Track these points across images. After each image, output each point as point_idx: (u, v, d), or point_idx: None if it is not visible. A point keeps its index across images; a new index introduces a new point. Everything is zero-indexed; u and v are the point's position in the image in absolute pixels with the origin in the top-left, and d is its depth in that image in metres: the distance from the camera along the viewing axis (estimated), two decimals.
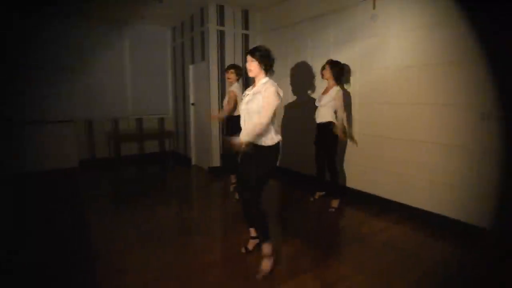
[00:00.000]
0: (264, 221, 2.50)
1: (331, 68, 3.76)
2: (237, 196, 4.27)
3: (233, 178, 4.55)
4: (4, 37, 5.34)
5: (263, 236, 2.49)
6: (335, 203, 3.85)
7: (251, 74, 2.53)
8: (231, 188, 4.58)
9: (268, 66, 2.49)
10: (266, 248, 2.47)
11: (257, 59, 2.46)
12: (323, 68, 3.85)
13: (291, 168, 5.31)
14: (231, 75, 4.28)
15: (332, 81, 3.78)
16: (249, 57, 2.49)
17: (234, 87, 4.26)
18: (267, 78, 2.51)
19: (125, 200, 4.46)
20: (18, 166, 5.49)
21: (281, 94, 2.45)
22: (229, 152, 4.25)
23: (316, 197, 4.19)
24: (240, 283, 2.39)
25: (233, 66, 4.33)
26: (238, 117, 2.73)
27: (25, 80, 5.59)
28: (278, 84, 2.47)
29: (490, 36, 2.91)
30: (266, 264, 2.45)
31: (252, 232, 2.82)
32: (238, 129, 2.57)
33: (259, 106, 2.39)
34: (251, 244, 2.84)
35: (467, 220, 3.13)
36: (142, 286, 2.33)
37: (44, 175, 5.54)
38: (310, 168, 4.76)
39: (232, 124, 4.19)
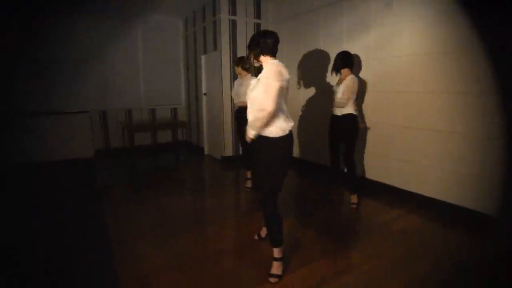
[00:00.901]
0: (276, 225, 2.28)
1: (338, 58, 3.61)
2: (248, 184, 4.33)
3: (248, 174, 4.41)
4: (23, 32, 5.44)
5: (274, 241, 2.29)
6: (354, 198, 3.71)
7: (257, 65, 2.41)
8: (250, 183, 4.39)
9: (258, 50, 2.26)
10: (277, 252, 2.31)
11: (250, 51, 2.33)
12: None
13: (303, 158, 5.32)
14: (238, 70, 4.16)
15: (346, 71, 3.60)
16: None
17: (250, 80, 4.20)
18: (271, 61, 2.28)
19: (139, 189, 4.55)
20: (35, 156, 5.62)
21: (286, 75, 2.20)
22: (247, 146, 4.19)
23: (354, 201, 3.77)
24: (253, 270, 2.44)
25: (238, 60, 4.20)
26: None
27: (42, 73, 5.70)
28: (291, 73, 2.42)
29: (507, 23, 2.83)
30: (277, 269, 2.29)
31: None
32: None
33: (261, 91, 2.15)
34: (263, 232, 2.82)
35: (481, 210, 3.10)
36: (156, 272, 2.39)
37: (60, 165, 5.67)
38: (323, 158, 4.77)
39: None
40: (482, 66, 3.01)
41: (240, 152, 4.74)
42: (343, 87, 3.52)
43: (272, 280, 2.23)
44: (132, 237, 2.98)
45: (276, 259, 2.31)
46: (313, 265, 2.48)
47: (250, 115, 2.27)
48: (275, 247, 2.30)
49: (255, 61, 2.35)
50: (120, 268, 2.43)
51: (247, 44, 2.37)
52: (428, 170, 3.56)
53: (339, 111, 3.60)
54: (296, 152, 5.36)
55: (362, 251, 2.70)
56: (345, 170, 3.80)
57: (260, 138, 2.23)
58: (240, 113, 4.01)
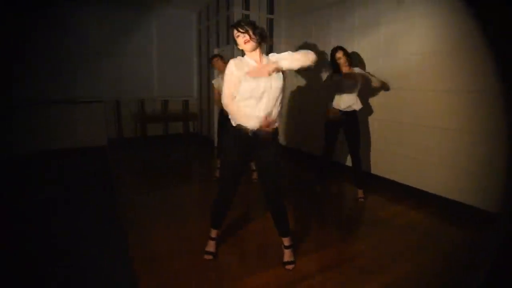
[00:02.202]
0: (287, 214, 2.43)
1: (345, 53, 3.62)
2: (217, 174, 4.35)
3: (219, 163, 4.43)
4: (40, 24, 5.61)
5: (288, 229, 2.43)
6: (361, 192, 3.79)
7: (250, 50, 2.24)
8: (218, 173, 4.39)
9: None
10: (288, 241, 2.42)
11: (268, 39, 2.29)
12: (335, 55, 3.64)
13: (308, 152, 5.41)
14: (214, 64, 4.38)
15: (346, 67, 3.64)
16: (235, 31, 2.20)
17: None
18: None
19: (151, 178, 4.70)
20: (50, 143, 5.79)
21: (229, 69, 2.15)
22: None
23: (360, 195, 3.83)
24: (260, 257, 2.55)
25: (214, 56, 4.33)
26: None
27: (58, 63, 5.88)
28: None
29: None
30: (291, 255, 2.41)
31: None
32: None
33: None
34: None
35: (486, 208, 3.15)
36: (169, 256, 2.54)
37: (74, 152, 5.84)
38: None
39: None
40: (492, 65, 3.04)
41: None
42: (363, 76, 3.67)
43: (290, 267, 2.35)
44: (145, 222, 3.12)
45: (287, 247, 2.42)
46: (320, 253, 2.59)
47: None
48: (287, 236, 2.42)
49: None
50: (134, 252, 2.57)
51: (264, 33, 2.21)
52: (434, 167, 3.62)
53: (345, 105, 3.63)
54: (302, 145, 5.46)
55: (367, 242, 2.80)
56: (352, 164, 3.84)
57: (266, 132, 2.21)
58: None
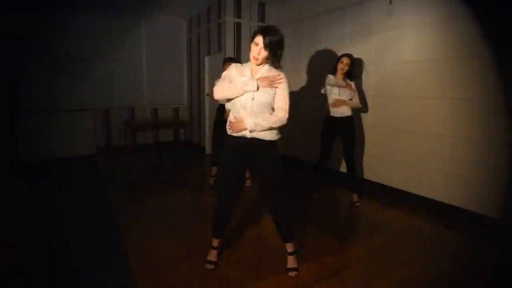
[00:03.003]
0: (290, 220, 2.47)
1: (350, 64, 3.75)
2: (211, 182, 4.38)
3: (214, 170, 4.39)
4: (26, 31, 5.51)
5: (290, 235, 2.42)
6: (356, 197, 3.86)
7: (257, 63, 2.17)
8: (212, 181, 4.42)
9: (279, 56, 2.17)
10: (291, 247, 2.42)
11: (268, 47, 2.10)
12: (341, 61, 3.75)
13: (299, 158, 5.45)
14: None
15: (342, 75, 3.78)
16: (261, 41, 2.08)
17: None
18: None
19: (142, 186, 4.64)
20: (37, 153, 5.67)
21: (229, 69, 2.32)
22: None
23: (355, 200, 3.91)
24: (261, 265, 2.55)
25: (228, 60, 4.25)
26: None
27: (46, 70, 5.77)
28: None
29: (505, 31, 2.98)
30: (294, 262, 2.41)
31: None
32: None
33: (271, 98, 2.15)
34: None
35: (480, 211, 3.24)
36: (168, 263, 2.52)
37: (62, 162, 5.72)
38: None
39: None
40: (481, 72, 3.16)
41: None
42: (354, 92, 3.79)
43: (293, 274, 2.36)
44: (141, 230, 3.09)
45: (291, 254, 2.42)
46: (321, 260, 2.61)
47: (259, 116, 2.14)
48: (290, 241, 2.42)
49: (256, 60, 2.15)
50: (132, 260, 2.54)
51: (280, 41, 2.13)
52: (428, 172, 3.70)
53: (344, 113, 3.75)
54: (292, 152, 5.50)
55: (365, 247, 2.83)
56: (347, 170, 3.92)
57: (259, 141, 2.19)
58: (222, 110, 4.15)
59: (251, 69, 2.22)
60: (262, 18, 5.87)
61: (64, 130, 5.96)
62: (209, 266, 2.44)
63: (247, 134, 2.17)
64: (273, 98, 2.16)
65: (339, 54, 3.97)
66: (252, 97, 2.12)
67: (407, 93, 3.83)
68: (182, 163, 6.12)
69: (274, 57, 2.13)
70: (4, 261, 2.49)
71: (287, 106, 2.17)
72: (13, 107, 5.45)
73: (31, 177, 4.88)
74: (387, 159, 4.13)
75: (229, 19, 5.48)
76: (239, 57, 5.56)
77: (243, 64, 2.28)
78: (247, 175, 4.43)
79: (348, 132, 3.81)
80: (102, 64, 6.34)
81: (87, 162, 5.84)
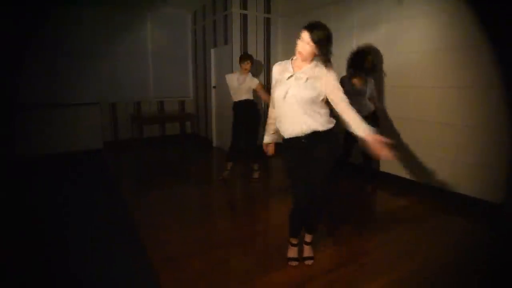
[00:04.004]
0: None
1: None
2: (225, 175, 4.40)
3: (229, 165, 4.41)
4: (33, 26, 5.51)
5: (315, 226, 2.46)
6: (371, 188, 3.98)
7: (302, 58, 2.13)
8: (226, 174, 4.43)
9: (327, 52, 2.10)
10: (311, 238, 2.48)
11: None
12: (368, 59, 3.68)
13: None
14: (247, 66, 4.20)
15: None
16: (307, 37, 2.06)
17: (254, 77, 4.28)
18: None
19: (150, 180, 4.66)
20: (45, 147, 5.72)
21: (272, 73, 2.35)
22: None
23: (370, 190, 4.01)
24: (271, 257, 2.56)
25: (249, 57, 4.26)
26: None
27: (53, 65, 5.80)
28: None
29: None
30: (311, 251, 2.47)
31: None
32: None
33: (321, 91, 2.09)
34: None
35: (487, 198, 3.24)
36: (185, 256, 2.54)
37: (70, 156, 5.77)
38: None
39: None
40: (490, 61, 3.12)
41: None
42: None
43: (309, 262, 2.41)
44: (154, 223, 3.12)
45: (308, 244, 2.47)
46: (327, 251, 2.62)
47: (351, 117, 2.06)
48: (313, 233, 2.47)
49: (300, 54, 2.13)
50: (151, 252, 2.56)
51: (328, 37, 2.08)
52: (437, 162, 3.68)
53: (366, 111, 3.61)
54: None
55: (373, 240, 2.83)
56: (363, 161, 3.94)
57: (319, 133, 2.15)
58: (240, 108, 4.29)
59: (294, 65, 2.18)
60: (268, 9, 5.82)
61: (71, 124, 5.99)
62: (293, 263, 2.41)
63: (307, 130, 2.13)
64: (318, 92, 2.09)
65: (348, 44, 3.92)
66: (292, 93, 2.10)
67: (417, 83, 3.79)
68: (189, 156, 6.14)
69: (323, 54, 2.07)
70: (12, 256, 2.52)
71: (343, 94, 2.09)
72: (18, 102, 5.48)
73: (39, 172, 4.92)
74: (397, 149, 4.09)
75: (236, 11, 5.43)
76: (246, 50, 5.53)
77: (285, 61, 2.25)
78: (255, 167, 4.44)
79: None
80: (108, 58, 6.35)
81: (95, 157, 5.87)
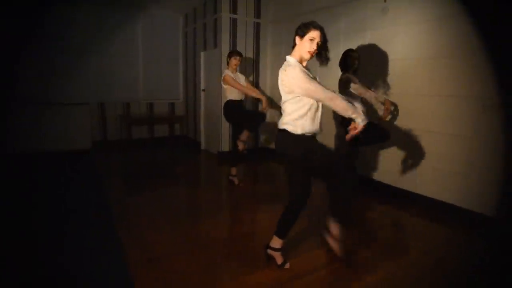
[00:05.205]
0: None
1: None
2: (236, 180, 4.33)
3: (234, 171, 4.38)
4: (21, 24, 5.49)
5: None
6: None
7: (310, 59, 2.23)
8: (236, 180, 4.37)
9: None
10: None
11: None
12: (357, 57, 3.62)
13: None
14: (238, 62, 4.19)
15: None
16: (320, 36, 2.15)
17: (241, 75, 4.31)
18: None
19: (137, 181, 4.66)
20: (32, 146, 5.68)
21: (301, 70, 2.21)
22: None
23: None
24: (255, 257, 2.60)
25: (240, 53, 4.25)
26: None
27: (42, 63, 5.78)
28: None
29: (497, 30, 3.02)
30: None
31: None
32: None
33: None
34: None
35: (470, 208, 3.29)
36: (165, 257, 2.55)
37: (58, 156, 5.72)
38: None
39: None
40: (474, 71, 3.21)
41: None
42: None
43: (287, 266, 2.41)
44: (139, 224, 3.12)
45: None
46: (310, 254, 2.66)
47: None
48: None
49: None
50: (131, 253, 2.57)
51: (325, 40, 2.20)
52: (419, 169, 3.75)
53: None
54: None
55: (355, 242, 2.87)
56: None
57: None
58: (239, 106, 4.25)
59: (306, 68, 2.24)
60: (258, 14, 5.88)
61: (60, 124, 5.94)
62: (288, 266, 2.42)
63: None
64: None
65: (333, 50, 3.95)
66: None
67: (399, 91, 3.87)
68: (177, 158, 6.14)
69: (325, 52, 2.20)
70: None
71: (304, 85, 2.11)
72: (7, 100, 5.44)
73: (25, 171, 4.88)
74: (378, 155, 4.17)
75: (225, 15, 5.48)
76: None
77: (294, 64, 2.18)
78: (234, 172, 4.38)
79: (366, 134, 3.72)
80: (98, 58, 6.35)
81: (83, 156, 5.84)
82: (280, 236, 2.41)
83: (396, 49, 3.88)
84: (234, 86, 4.03)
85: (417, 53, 3.68)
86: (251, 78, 5.94)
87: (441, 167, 3.53)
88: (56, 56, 5.89)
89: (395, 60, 3.90)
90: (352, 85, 3.39)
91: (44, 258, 2.49)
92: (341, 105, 2.11)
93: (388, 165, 4.07)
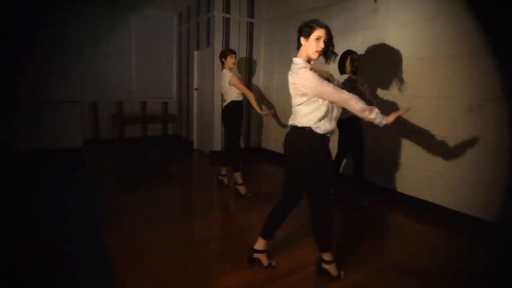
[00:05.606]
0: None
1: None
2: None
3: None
4: (12, 22, 5.45)
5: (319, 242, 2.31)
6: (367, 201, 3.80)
7: (316, 59, 2.15)
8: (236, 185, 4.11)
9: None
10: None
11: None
12: (357, 59, 3.57)
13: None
14: (234, 60, 4.04)
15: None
16: (325, 34, 2.08)
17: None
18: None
19: (128, 180, 4.65)
20: (23, 145, 5.61)
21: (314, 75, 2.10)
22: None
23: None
24: (238, 257, 2.59)
25: (235, 52, 4.08)
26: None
27: (32, 61, 5.73)
28: (284, 73, 2.30)
29: (487, 31, 3.03)
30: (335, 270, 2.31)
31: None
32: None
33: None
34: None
35: (458, 209, 3.31)
36: (149, 256, 2.54)
37: (48, 154, 5.67)
38: None
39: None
40: (464, 72, 3.22)
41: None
42: None
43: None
44: (130, 223, 3.12)
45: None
46: (295, 252, 2.65)
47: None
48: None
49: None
50: (118, 251, 2.57)
51: (331, 37, 2.11)
52: (408, 170, 3.77)
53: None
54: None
55: (339, 242, 2.87)
56: (357, 175, 3.77)
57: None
58: (241, 108, 4.08)
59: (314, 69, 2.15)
60: (251, 14, 5.88)
61: (50, 122, 5.87)
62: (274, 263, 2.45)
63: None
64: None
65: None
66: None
67: (390, 91, 3.88)
68: (170, 157, 6.12)
69: (331, 49, 2.12)
70: None
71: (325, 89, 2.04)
72: None
73: (15, 170, 4.84)
74: (373, 157, 4.17)
75: (218, 14, 5.48)
76: None
77: (306, 68, 2.08)
78: (224, 172, 4.32)
79: (359, 135, 3.70)
80: (90, 57, 6.31)
81: (74, 155, 5.80)
82: (265, 237, 2.40)
83: (386, 48, 3.88)
84: (240, 88, 3.90)
85: (407, 53, 3.69)
86: (244, 78, 5.94)
87: (431, 168, 3.53)
88: (49, 56, 5.84)
89: (386, 60, 3.90)
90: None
91: (33, 258, 2.47)
92: (357, 106, 2.02)
93: (376, 166, 4.08)
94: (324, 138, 2.12)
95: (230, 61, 3.96)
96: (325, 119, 2.08)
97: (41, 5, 5.63)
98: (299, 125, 2.12)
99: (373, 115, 2.05)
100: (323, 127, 2.08)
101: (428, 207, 3.54)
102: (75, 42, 6.07)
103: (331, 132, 2.15)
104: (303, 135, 2.12)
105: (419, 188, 3.66)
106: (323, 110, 2.06)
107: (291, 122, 2.20)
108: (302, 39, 2.14)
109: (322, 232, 2.24)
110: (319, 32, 2.06)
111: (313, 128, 2.08)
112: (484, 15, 3.04)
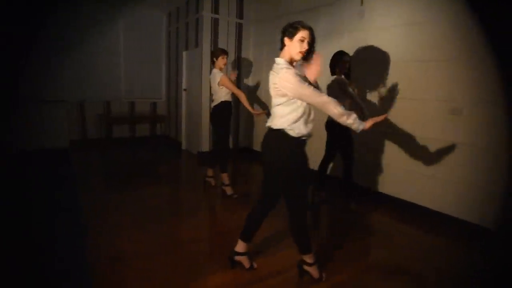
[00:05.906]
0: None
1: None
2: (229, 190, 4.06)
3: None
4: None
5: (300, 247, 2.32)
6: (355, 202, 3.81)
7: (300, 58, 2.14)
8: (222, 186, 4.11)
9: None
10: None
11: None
12: (349, 61, 3.56)
13: None
14: (226, 62, 4.01)
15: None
16: (309, 35, 2.09)
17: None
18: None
19: (115, 180, 4.61)
20: (8, 145, 5.54)
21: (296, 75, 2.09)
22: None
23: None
24: (222, 258, 2.57)
25: (226, 52, 4.04)
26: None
27: (18, 59, 5.63)
28: (267, 74, 2.29)
29: (469, 36, 3.07)
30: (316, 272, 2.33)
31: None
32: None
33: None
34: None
35: (440, 210, 3.37)
36: (129, 258, 2.51)
37: (33, 154, 5.60)
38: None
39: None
40: (449, 75, 3.27)
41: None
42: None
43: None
44: (115, 223, 3.10)
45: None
46: (276, 256, 2.66)
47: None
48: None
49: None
50: (101, 251, 2.56)
51: (313, 38, 2.11)
52: (391, 171, 3.79)
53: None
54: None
55: (322, 244, 2.88)
56: (347, 177, 3.73)
57: None
58: (230, 109, 4.03)
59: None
60: (240, 14, 5.87)
61: (36, 122, 5.80)
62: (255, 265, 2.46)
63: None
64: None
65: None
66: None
67: (376, 93, 3.90)
68: (158, 158, 6.08)
69: (311, 52, 2.13)
70: None
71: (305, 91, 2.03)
72: None
73: None
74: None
75: (206, 14, 5.46)
76: None
77: (288, 69, 2.05)
78: (211, 173, 4.28)
79: (348, 137, 3.66)
80: (77, 55, 6.23)
81: (60, 155, 5.73)
82: (244, 240, 2.40)
83: (371, 51, 3.91)
84: (231, 88, 3.85)
85: (392, 56, 3.72)
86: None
87: (412, 169, 3.57)
88: (35, 54, 5.75)
89: (371, 62, 3.93)
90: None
91: (18, 258, 2.43)
92: (335, 111, 2.01)
93: (360, 168, 4.10)
94: (298, 141, 2.11)
95: (221, 61, 3.93)
96: (300, 121, 2.07)
97: (26, 3, 5.54)
98: (274, 127, 2.12)
99: (351, 120, 2.04)
100: (297, 130, 2.07)
101: (417, 209, 3.57)
102: (60, 39, 5.98)
103: (307, 135, 2.13)
104: (277, 137, 2.12)
105: (406, 191, 3.69)
106: (300, 111, 2.06)
107: (268, 123, 2.20)
108: (286, 40, 2.12)
109: (298, 233, 2.25)
110: (303, 33, 2.06)
111: (286, 130, 2.07)
112: (470, 19, 3.07)
